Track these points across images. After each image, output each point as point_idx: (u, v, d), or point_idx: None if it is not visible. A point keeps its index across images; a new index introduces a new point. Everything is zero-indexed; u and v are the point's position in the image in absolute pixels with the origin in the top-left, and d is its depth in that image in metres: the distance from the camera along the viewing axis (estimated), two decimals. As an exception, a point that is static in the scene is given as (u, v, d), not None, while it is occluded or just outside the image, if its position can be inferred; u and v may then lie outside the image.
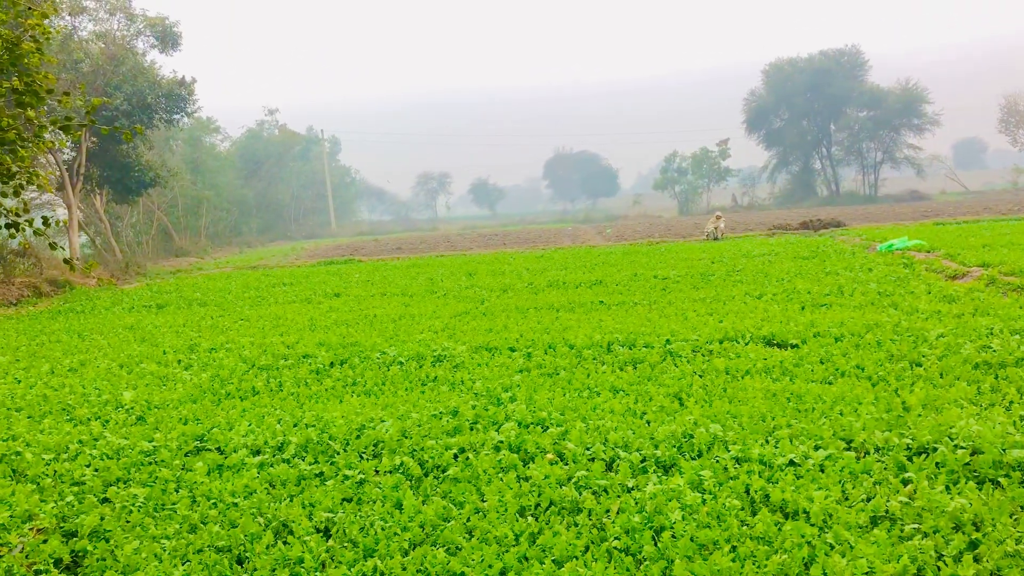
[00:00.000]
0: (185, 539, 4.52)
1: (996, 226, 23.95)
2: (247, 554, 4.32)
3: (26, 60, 5.66)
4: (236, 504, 4.98)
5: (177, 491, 5.29)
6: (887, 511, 4.28)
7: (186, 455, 6.07)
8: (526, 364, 8.37)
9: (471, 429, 6.17)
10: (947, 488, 4.53)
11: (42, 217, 4.89)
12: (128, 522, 4.81)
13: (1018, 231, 20.67)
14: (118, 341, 11.80)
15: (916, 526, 4.08)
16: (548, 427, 6.08)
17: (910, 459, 4.99)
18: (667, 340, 8.95)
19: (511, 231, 49.77)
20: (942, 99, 68.11)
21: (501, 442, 5.77)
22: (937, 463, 4.85)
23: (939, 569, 3.68)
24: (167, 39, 30.79)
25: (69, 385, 8.65)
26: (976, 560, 3.74)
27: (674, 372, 7.63)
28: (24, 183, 6.27)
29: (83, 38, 29.43)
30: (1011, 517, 4.10)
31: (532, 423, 6.20)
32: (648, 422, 6.06)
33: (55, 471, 5.77)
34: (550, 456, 5.47)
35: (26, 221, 5.61)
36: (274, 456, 5.88)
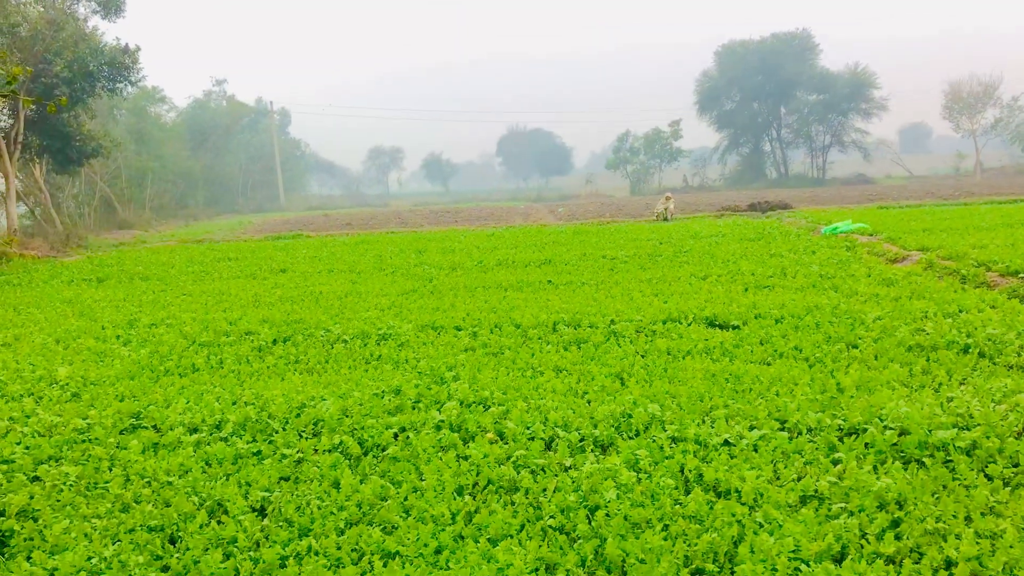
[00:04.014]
0: (117, 518, 4.45)
1: (937, 211, 24.53)
2: (180, 533, 4.28)
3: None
4: (170, 483, 4.92)
5: (110, 470, 5.20)
6: (816, 490, 4.38)
7: (121, 433, 5.97)
8: (471, 343, 8.38)
9: (413, 408, 6.16)
10: (874, 468, 4.65)
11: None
12: (58, 501, 4.72)
13: (957, 216, 21.19)
14: (55, 315, 11.53)
15: (843, 505, 4.18)
16: (490, 406, 6.10)
17: (841, 439, 5.11)
18: (612, 320, 9.02)
19: (463, 208, 49.59)
20: (890, 84, 69.40)
21: (442, 421, 5.78)
22: (866, 444, 4.98)
23: (862, 547, 3.79)
24: (110, 5, 29.76)
25: (2, 360, 8.43)
26: (897, 538, 3.86)
27: (617, 352, 7.69)
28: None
29: (21, 1, 28.40)
30: (933, 496, 4.23)
31: (474, 402, 6.21)
32: (589, 402, 6.11)
33: (-17, 449, 5.63)
34: (490, 435, 5.49)
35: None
36: (211, 434, 5.81)
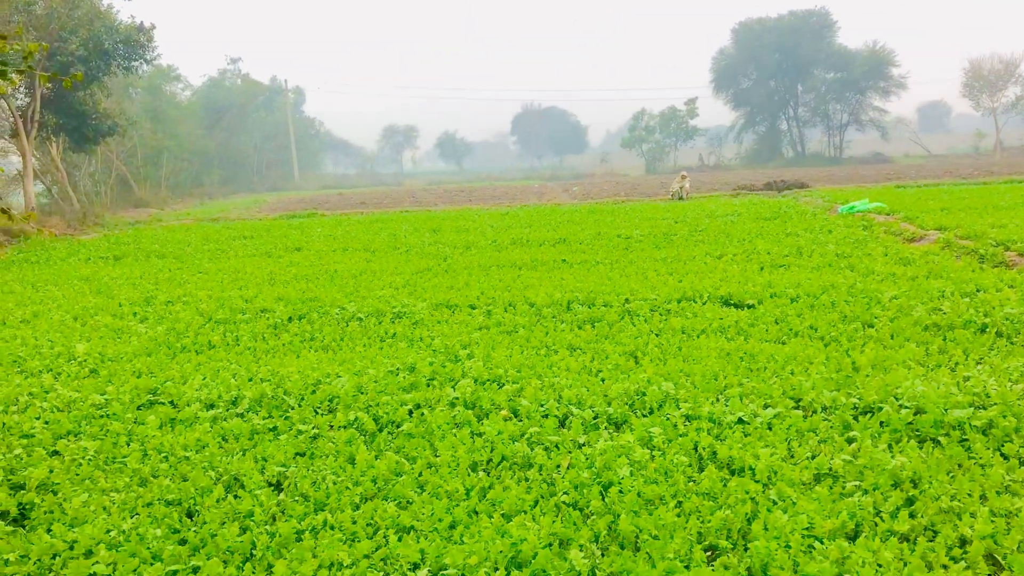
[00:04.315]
0: (135, 492, 4.51)
1: (955, 190, 24.28)
2: (197, 507, 4.32)
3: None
4: (187, 458, 4.97)
5: (128, 444, 5.26)
6: (830, 468, 4.37)
7: (138, 408, 6.03)
8: (486, 322, 8.39)
9: (427, 385, 6.19)
10: (889, 447, 4.64)
11: (-24, 167, 4.75)
12: (77, 475, 4.78)
13: (976, 195, 20.98)
14: (73, 292, 11.62)
15: (857, 483, 4.18)
16: (504, 384, 6.11)
17: (856, 418, 5.10)
18: (626, 299, 9.01)
19: (477, 187, 49.52)
20: (909, 61, 68.53)
21: (456, 398, 5.80)
22: (881, 422, 4.97)
23: (876, 524, 3.79)
24: (125, -18, 29.86)
25: (21, 337, 8.52)
26: (912, 516, 3.85)
27: (631, 331, 7.69)
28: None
29: (37, -21, 28.41)
30: (948, 475, 4.22)
31: (488, 380, 6.23)
32: (603, 380, 6.12)
33: (4, 423, 5.70)
34: (504, 412, 5.51)
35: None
36: (228, 410, 5.86)
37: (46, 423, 5.68)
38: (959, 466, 4.34)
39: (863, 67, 67.78)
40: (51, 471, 4.82)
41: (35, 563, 3.81)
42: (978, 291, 8.55)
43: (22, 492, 4.57)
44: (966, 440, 4.68)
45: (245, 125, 68.91)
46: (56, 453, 5.20)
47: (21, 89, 27.04)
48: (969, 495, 3.98)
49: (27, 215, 7.58)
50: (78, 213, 28.51)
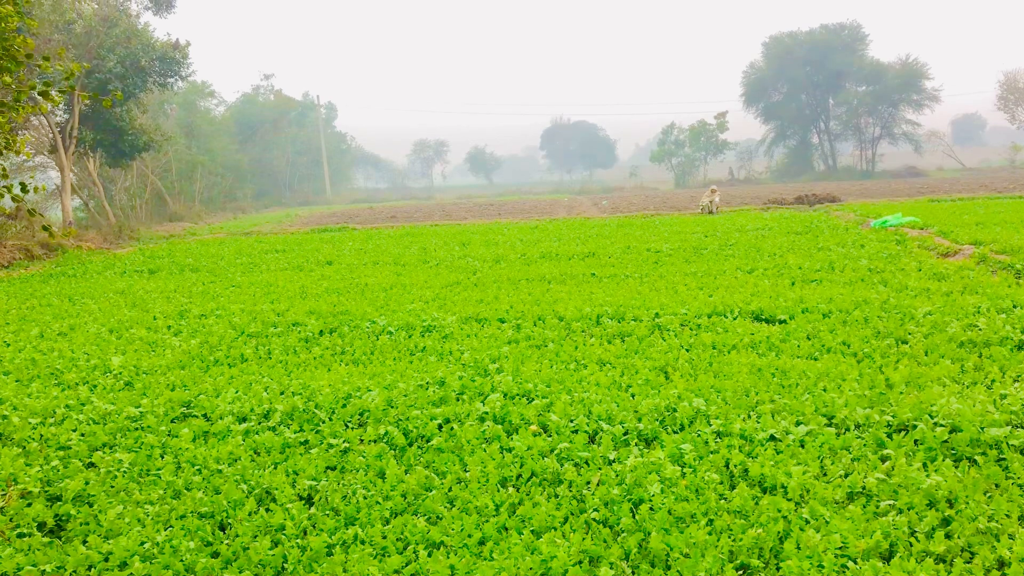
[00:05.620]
0: (169, 505, 4.56)
1: (991, 204, 23.94)
2: (230, 520, 4.36)
3: (2, 24, 5.55)
4: (220, 471, 5.02)
5: (162, 457, 5.32)
6: (864, 487, 4.32)
7: (172, 421, 6.10)
8: (515, 336, 8.40)
9: (457, 400, 6.20)
10: (924, 465, 4.57)
11: (19, 183, 4.85)
12: (112, 487, 4.84)
13: (1012, 209, 20.67)
14: (108, 306, 11.80)
15: (891, 502, 4.12)
16: (533, 399, 6.12)
17: (890, 436, 5.03)
18: (656, 314, 8.98)
19: (507, 201, 49.65)
20: (943, 74, 67.84)
21: (486, 413, 5.80)
22: (916, 440, 4.90)
23: (911, 545, 3.73)
24: (161, 1, 30.40)
25: (58, 349, 8.66)
26: (948, 536, 3.79)
27: (661, 346, 7.66)
28: (1, 149, 6.19)
29: (76, -2, 29.03)
30: (985, 495, 4.15)
31: (518, 395, 6.23)
32: (633, 395, 6.10)
33: (41, 435, 5.80)
34: (534, 428, 5.51)
35: (4, 187, 5.54)
36: (260, 424, 5.92)
37: (82, 435, 5.77)
38: (996, 486, 4.27)
39: (896, 80, 67.15)
40: (87, 483, 4.89)
41: (71, 574, 3.86)
42: (1015, 307, 8.41)
43: (58, 503, 4.64)
44: (1003, 459, 4.60)
45: (278, 140, 69.70)
46: (92, 465, 5.28)
47: (60, 106, 27.59)
48: (1007, 516, 3.91)
49: (67, 231, 7.73)
50: (114, 227, 28.96)
